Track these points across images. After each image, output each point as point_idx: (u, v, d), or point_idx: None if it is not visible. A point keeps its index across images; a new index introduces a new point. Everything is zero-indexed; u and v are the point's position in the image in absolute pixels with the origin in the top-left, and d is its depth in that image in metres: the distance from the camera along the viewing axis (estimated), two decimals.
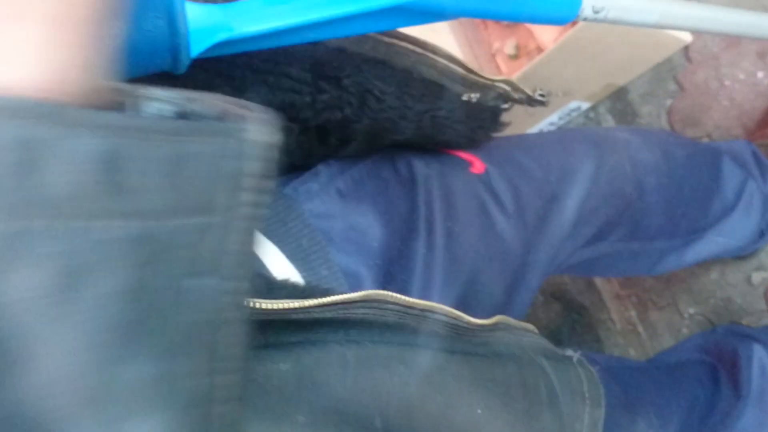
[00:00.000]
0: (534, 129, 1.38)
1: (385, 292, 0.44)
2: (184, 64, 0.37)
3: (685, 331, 1.28)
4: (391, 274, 0.55)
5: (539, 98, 0.66)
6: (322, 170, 0.57)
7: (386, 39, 0.52)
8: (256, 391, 0.35)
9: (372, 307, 0.42)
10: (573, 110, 1.35)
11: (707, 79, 1.24)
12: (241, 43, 0.39)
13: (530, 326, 0.62)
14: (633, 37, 1.16)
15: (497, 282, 0.63)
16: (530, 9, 0.47)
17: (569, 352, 0.64)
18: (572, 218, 0.69)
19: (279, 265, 0.47)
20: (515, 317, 0.67)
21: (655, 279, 1.31)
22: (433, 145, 0.64)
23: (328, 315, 0.39)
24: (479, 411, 0.46)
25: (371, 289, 0.53)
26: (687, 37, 1.23)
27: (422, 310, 0.46)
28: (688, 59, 1.25)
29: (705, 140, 1.25)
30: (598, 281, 1.38)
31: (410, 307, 0.45)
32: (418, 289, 0.56)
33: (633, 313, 1.35)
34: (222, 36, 0.38)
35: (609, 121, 1.36)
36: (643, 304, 1.34)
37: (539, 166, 0.68)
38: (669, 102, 1.29)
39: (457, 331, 0.50)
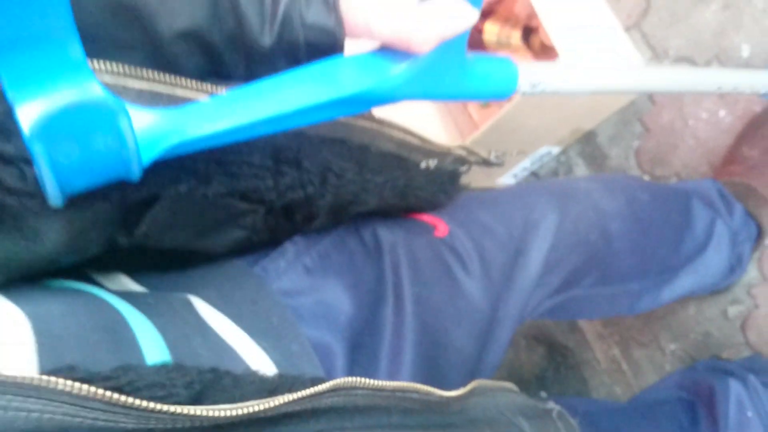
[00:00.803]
0: (508, 174, 1.42)
1: (354, 378, 0.44)
2: (137, 173, 0.40)
3: (667, 367, 1.31)
4: (361, 343, 0.58)
5: (495, 161, 0.69)
6: (289, 248, 0.59)
7: (342, 119, 0.55)
8: None
9: (340, 394, 0.43)
10: (544, 155, 1.39)
11: (672, 120, 1.28)
12: (196, 144, 0.42)
13: (508, 385, 0.63)
14: None
15: (467, 340, 0.65)
16: (469, 91, 0.50)
17: (550, 405, 0.66)
18: (538, 270, 0.71)
19: (249, 351, 0.50)
20: (488, 371, 0.69)
21: (636, 317, 1.34)
22: (397, 211, 0.67)
23: (297, 408, 0.40)
24: None
25: (341, 360, 0.56)
26: None
27: (393, 390, 0.47)
28: (652, 101, 1.30)
29: (673, 179, 1.29)
30: (581, 322, 1.41)
31: (380, 389, 0.46)
32: (388, 355, 0.59)
33: (616, 351, 1.37)
34: (174, 140, 0.40)
35: (580, 164, 1.40)
36: (626, 342, 1.36)
37: (502, 223, 0.71)
38: (636, 143, 1.33)
39: (431, 405, 0.51)
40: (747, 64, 1.19)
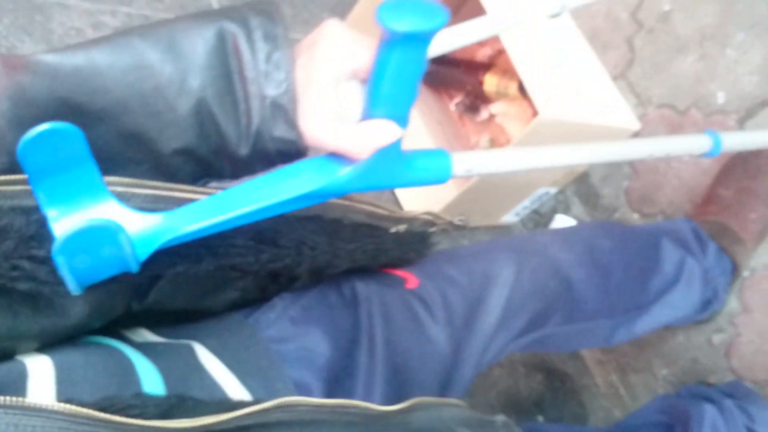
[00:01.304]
0: (511, 213, 1.53)
1: (296, 398, 0.53)
2: (135, 268, 0.52)
3: (659, 390, 1.40)
4: (338, 381, 0.69)
5: (459, 223, 0.80)
6: (278, 303, 0.71)
7: (323, 201, 0.66)
8: None
9: (285, 411, 0.52)
10: (542, 195, 1.49)
11: (657, 162, 1.38)
12: (187, 237, 0.54)
13: (454, 401, 0.69)
14: (585, 131, 1.30)
15: (432, 378, 0.76)
16: (410, 180, 0.62)
17: (497, 418, 0.73)
18: (497, 316, 0.82)
19: (235, 390, 0.61)
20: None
21: (631, 345, 1.43)
22: (373, 267, 0.78)
23: (249, 422, 0.50)
24: None
25: (319, 396, 0.68)
26: (634, 126, 1.37)
27: (332, 406, 0.56)
28: None
29: (659, 216, 1.38)
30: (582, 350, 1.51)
31: (321, 406, 0.55)
32: (362, 391, 0.70)
33: (614, 377, 1.46)
34: (167, 237, 0.52)
35: (576, 203, 1.50)
36: (623, 368, 1.45)
37: (465, 275, 0.82)
38: (625, 183, 1.43)
39: (371, 419, 0.59)
40: (722, 111, 1.28)
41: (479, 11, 1.14)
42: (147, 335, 0.68)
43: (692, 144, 0.83)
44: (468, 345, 0.80)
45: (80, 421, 0.43)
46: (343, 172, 0.57)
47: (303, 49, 0.57)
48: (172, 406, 0.49)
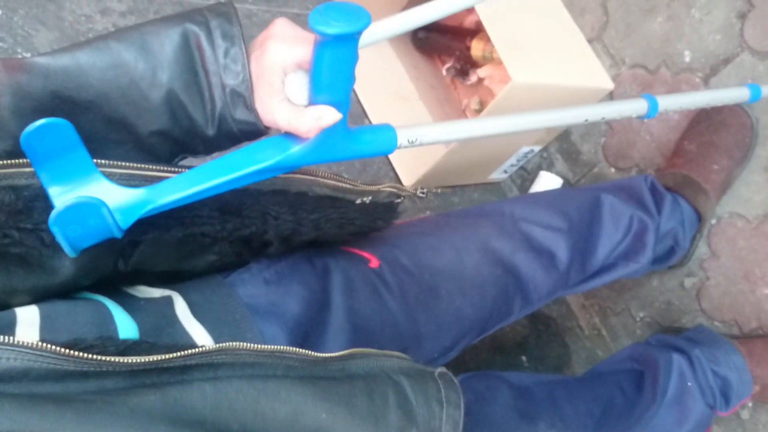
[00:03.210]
0: (499, 170, 1.57)
1: (237, 343, 0.60)
2: (119, 234, 0.59)
3: (638, 332, 1.45)
4: (307, 336, 0.76)
5: (420, 195, 0.87)
6: (254, 265, 0.78)
7: (283, 174, 0.73)
8: (126, 415, 0.52)
9: (227, 354, 0.59)
10: (528, 153, 1.54)
11: (630, 119, 1.41)
12: (164, 207, 0.61)
13: (396, 353, 0.75)
14: (559, 93, 1.34)
15: (391, 344, 0.82)
16: (359, 152, 0.67)
17: (436, 368, 0.77)
18: (452, 304, 0.90)
19: (201, 336, 0.68)
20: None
21: (609, 289, 1.48)
22: (342, 241, 0.85)
23: (193, 362, 0.56)
24: (324, 416, 0.62)
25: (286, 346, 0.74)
26: (608, 86, 1.41)
27: (272, 351, 0.62)
28: None
29: (634, 170, 1.42)
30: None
31: (260, 351, 0.61)
32: (330, 347, 0.76)
33: (597, 319, 1.52)
34: (147, 208, 0.59)
35: (558, 160, 1.54)
36: (604, 311, 1.51)
37: (415, 265, 0.89)
38: (603, 140, 1.47)
39: (309, 363, 0.65)
40: (689, 69, 1.31)
41: None
42: (145, 289, 0.75)
43: (632, 107, 0.88)
44: (426, 322, 0.86)
45: (45, 355, 0.50)
46: (296, 149, 0.64)
47: (256, 45, 0.65)
48: (128, 347, 0.56)
